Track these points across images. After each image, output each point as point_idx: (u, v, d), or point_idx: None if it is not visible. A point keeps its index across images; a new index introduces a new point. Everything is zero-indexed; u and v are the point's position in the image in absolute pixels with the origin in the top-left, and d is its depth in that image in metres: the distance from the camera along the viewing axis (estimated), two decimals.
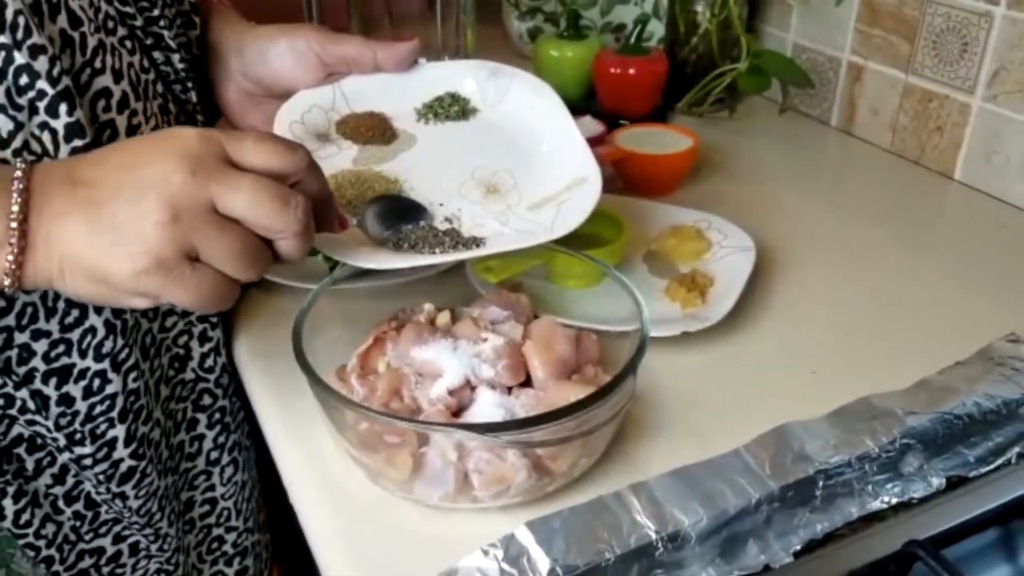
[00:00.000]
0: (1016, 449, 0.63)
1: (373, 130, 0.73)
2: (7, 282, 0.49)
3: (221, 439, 0.80)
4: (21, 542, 0.66)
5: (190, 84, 0.71)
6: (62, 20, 0.57)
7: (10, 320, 0.60)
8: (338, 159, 0.71)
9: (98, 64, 0.60)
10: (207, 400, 0.78)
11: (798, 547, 0.56)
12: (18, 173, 0.49)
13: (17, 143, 0.55)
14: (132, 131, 0.63)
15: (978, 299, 0.82)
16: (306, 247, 0.53)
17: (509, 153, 0.73)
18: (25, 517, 0.65)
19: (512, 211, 0.68)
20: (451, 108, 0.75)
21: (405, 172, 0.70)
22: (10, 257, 0.48)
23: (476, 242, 0.65)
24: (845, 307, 0.81)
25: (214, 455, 0.80)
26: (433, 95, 0.76)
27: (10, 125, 0.55)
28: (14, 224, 0.48)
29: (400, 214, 0.67)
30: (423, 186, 0.69)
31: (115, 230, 0.48)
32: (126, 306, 0.51)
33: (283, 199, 0.50)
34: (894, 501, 0.59)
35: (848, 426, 0.62)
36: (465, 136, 0.74)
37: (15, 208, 0.48)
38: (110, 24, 0.62)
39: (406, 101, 0.75)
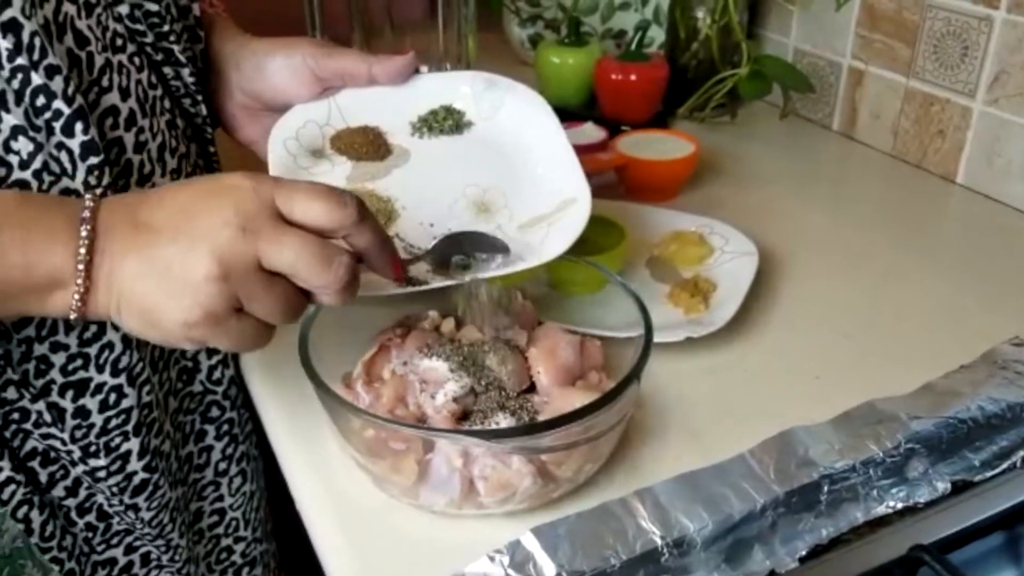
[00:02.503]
0: (1021, 453, 0.63)
1: (367, 146, 0.73)
2: (73, 316, 0.51)
3: (229, 450, 0.81)
4: (47, 556, 0.66)
5: (199, 97, 0.71)
6: (68, 40, 0.57)
7: (30, 331, 0.60)
8: (332, 176, 0.70)
9: (105, 83, 0.60)
10: (215, 412, 0.78)
11: (803, 552, 0.57)
12: (86, 213, 0.51)
13: (37, 164, 0.56)
14: (139, 148, 0.63)
15: (982, 303, 0.82)
16: (346, 300, 0.54)
17: (502, 170, 0.72)
18: (49, 529, 0.65)
19: (502, 231, 0.68)
20: (445, 122, 0.75)
21: (398, 190, 0.70)
22: (76, 296, 0.50)
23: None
24: (848, 311, 0.81)
25: (222, 466, 0.81)
26: (428, 108, 0.75)
27: (30, 146, 0.56)
28: (81, 266, 0.50)
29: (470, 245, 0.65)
30: (414, 205, 0.69)
31: (169, 280, 0.50)
32: (174, 347, 0.54)
33: (326, 259, 0.51)
34: (899, 506, 0.59)
35: (852, 431, 0.62)
36: (458, 151, 0.74)
37: (82, 250, 0.50)
38: (118, 42, 0.62)
39: (401, 114, 0.75)
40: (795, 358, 0.75)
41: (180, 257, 0.49)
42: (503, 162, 0.73)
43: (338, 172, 0.71)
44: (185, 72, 0.69)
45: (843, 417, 0.64)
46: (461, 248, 0.64)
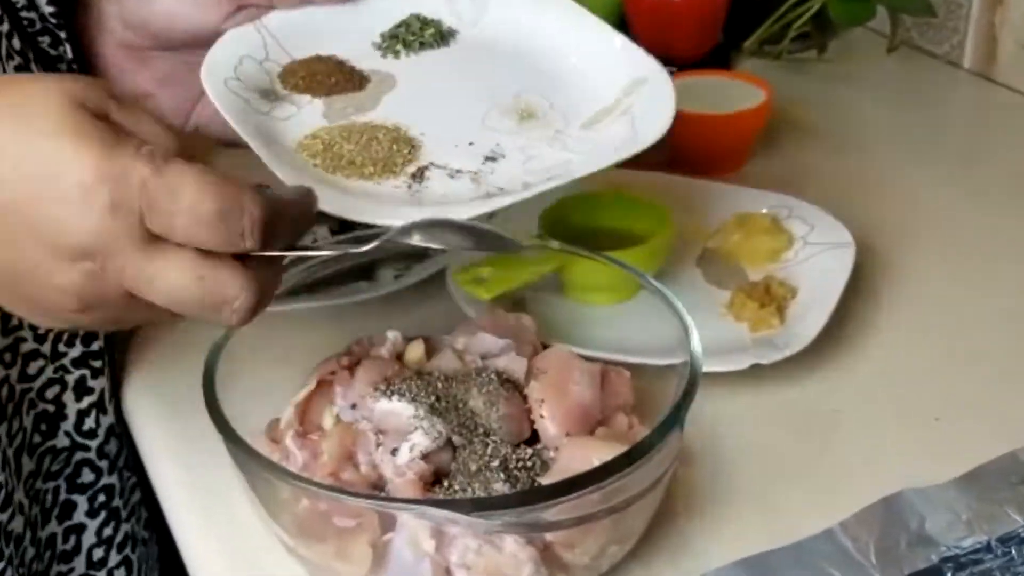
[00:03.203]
0: None
1: (336, 75, 0.76)
2: None
3: (108, 531, 0.81)
4: None
5: (62, 34, 0.72)
6: None
7: None
8: (303, 118, 0.73)
9: None
10: (87, 476, 0.78)
11: None
12: None
13: None
14: None
15: None
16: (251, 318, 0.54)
17: (525, 70, 0.76)
18: None
19: (565, 135, 0.71)
20: (424, 32, 0.78)
21: (403, 117, 0.73)
22: None
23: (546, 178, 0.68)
24: (981, 328, 0.82)
25: (98, 554, 0.81)
26: (391, 23, 0.79)
27: None
28: None
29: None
30: (435, 129, 0.71)
31: (24, 292, 0.52)
32: None
33: (213, 305, 0.51)
34: None
35: (986, 494, 0.62)
36: (455, 63, 0.78)
37: None
38: None
39: (358, 36, 0.78)
40: (905, 392, 0.75)
41: (21, 310, 0.53)
42: (522, 62, 0.77)
43: (309, 112, 0.73)
44: (42, 1, 0.69)
45: (973, 475, 0.64)
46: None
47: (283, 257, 0.54)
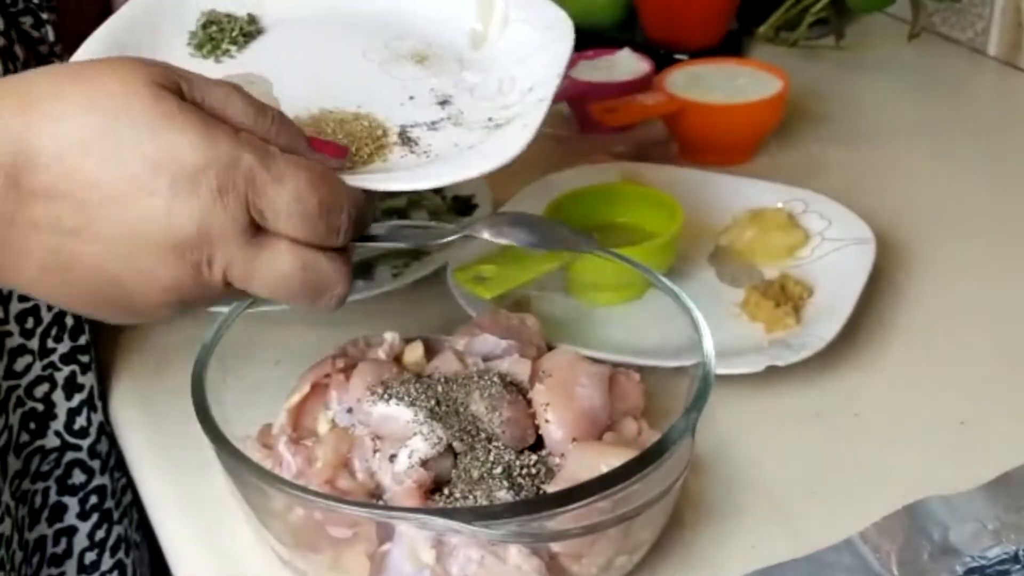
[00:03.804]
0: None
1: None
2: None
3: (100, 534, 0.81)
4: None
5: (44, 16, 0.73)
6: None
7: None
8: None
9: None
10: (79, 477, 0.79)
11: None
12: None
13: None
14: None
15: None
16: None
17: (370, 25, 0.77)
18: None
19: (474, 58, 0.74)
20: (232, 26, 0.77)
21: (323, 102, 0.72)
22: None
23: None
24: (1008, 327, 0.82)
25: (90, 557, 0.81)
26: (188, 27, 0.77)
27: None
28: None
29: None
30: (363, 99, 0.71)
31: (118, 296, 0.52)
32: None
33: (314, 292, 0.55)
34: None
35: (1013, 502, 0.62)
36: (295, 46, 0.77)
37: None
38: None
39: (169, 49, 0.76)
40: (930, 395, 0.75)
41: (127, 274, 0.51)
42: (358, 19, 0.78)
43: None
44: None
45: (1000, 482, 0.64)
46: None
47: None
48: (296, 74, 0.73)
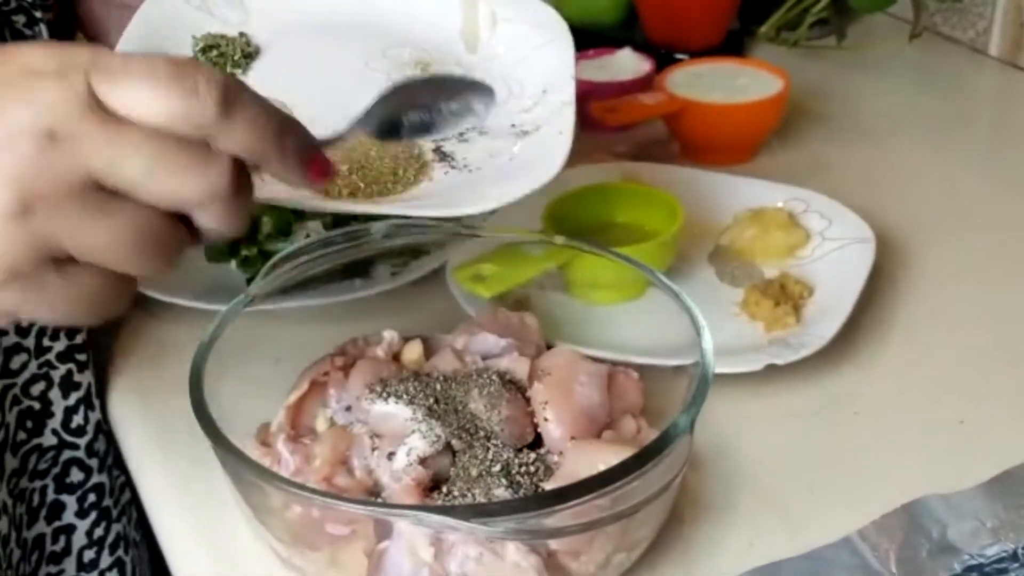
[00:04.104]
0: None
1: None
2: None
3: (99, 532, 0.81)
4: None
5: (38, 15, 0.73)
6: None
7: None
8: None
9: None
10: (76, 475, 0.79)
11: None
12: None
13: None
14: None
15: None
16: (244, 212, 0.51)
17: (368, 35, 0.77)
18: None
19: (474, 58, 0.74)
20: (231, 49, 0.77)
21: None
22: None
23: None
24: (1008, 327, 0.82)
25: (89, 555, 0.81)
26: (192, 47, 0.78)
27: None
28: None
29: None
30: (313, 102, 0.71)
31: None
32: None
33: (196, 151, 0.49)
34: None
35: (1012, 501, 0.62)
36: (297, 61, 0.77)
37: None
38: None
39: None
40: (927, 394, 0.75)
41: None
42: (353, 29, 0.78)
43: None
44: None
45: (999, 481, 0.64)
46: (414, 101, 0.64)
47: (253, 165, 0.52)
48: (310, 95, 0.73)
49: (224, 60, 0.75)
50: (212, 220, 0.50)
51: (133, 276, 0.50)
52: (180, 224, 0.50)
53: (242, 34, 0.78)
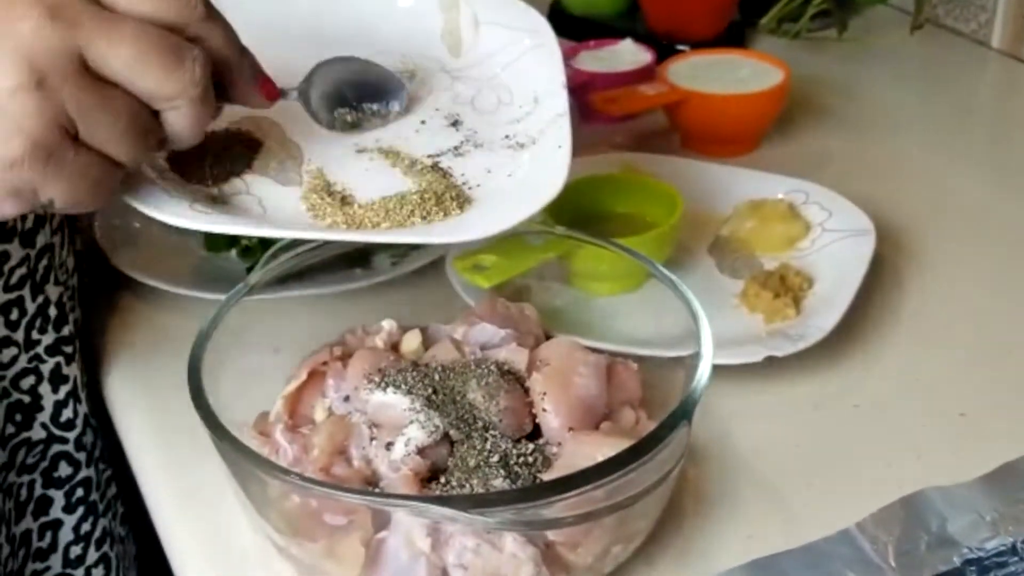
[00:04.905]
0: None
1: (227, 147, 0.72)
2: None
3: (86, 527, 0.81)
4: None
5: None
6: None
7: None
8: (281, 202, 0.69)
9: None
10: (65, 470, 0.79)
11: None
12: None
13: None
14: None
15: None
16: (205, 121, 0.57)
17: (350, 45, 0.75)
18: None
19: (458, 65, 0.74)
20: None
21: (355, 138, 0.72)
22: None
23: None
24: (1008, 319, 0.82)
25: (76, 551, 0.81)
26: None
27: None
28: None
29: (363, 89, 0.71)
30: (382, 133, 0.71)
31: None
32: None
33: (175, 52, 0.54)
34: None
35: (1012, 494, 0.62)
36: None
37: None
38: None
39: None
40: (927, 387, 0.75)
41: None
42: (349, 35, 0.77)
43: (276, 193, 0.70)
44: None
45: (999, 474, 0.64)
46: (342, 96, 0.69)
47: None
48: (300, 111, 0.72)
49: None
50: (178, 120, 0.56)
51: (119, 163, 0.55)
52: (155, 116, 0.56)
53: None
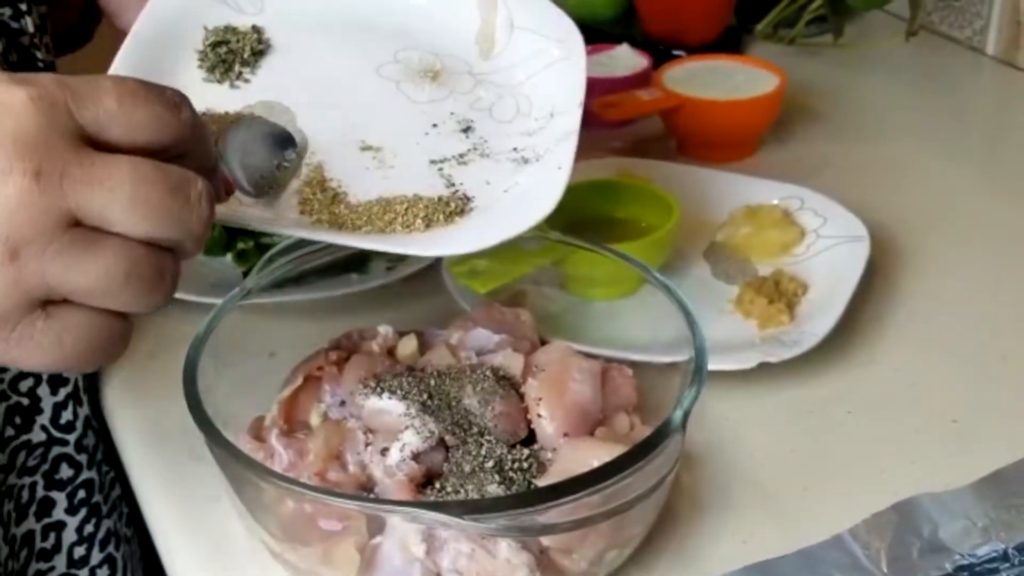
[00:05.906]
0: None
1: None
2: None
3: (89, 528, 0.81)
4: None
5: (23, 7, 0.73)
6: None
7: None
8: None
9: None
10: (66, 472, 0.79)
11: None
12: None
13: None
14: None
15: None
16: (207, 235, 0.52)
17: (378, 36, 0.76)
18: None
19: (484, 69, 0.73)
20: (243, 42, 0.76)
21: (353, 134, 0.71)
22: None
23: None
24: (1002, 326, 0.82)
25: (79, 552, 0.81)
26: (198, 45, 0.75)
27: None
28: None
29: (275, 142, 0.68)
30: (386, 131, 0.71)
31: None
32: None
33: (179, 189, 0.48)
34: None
35: (1004, 500, 0.62)
36: (305, 63, 0.76)
37: None
38: None
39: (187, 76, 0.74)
40: (922, 393, 0.75)
41: None
42: (364, 27, 0.76)
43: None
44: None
45: (991, 480, 0.64)
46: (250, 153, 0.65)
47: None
48: (312, 100, 0.72)
49: (233, 57, 0.74)
50: (192, 251, 0.50)
51: (127, 314, 0.49)
52: (167, 253, 0.49)
53: (255, 27, 0.77)
